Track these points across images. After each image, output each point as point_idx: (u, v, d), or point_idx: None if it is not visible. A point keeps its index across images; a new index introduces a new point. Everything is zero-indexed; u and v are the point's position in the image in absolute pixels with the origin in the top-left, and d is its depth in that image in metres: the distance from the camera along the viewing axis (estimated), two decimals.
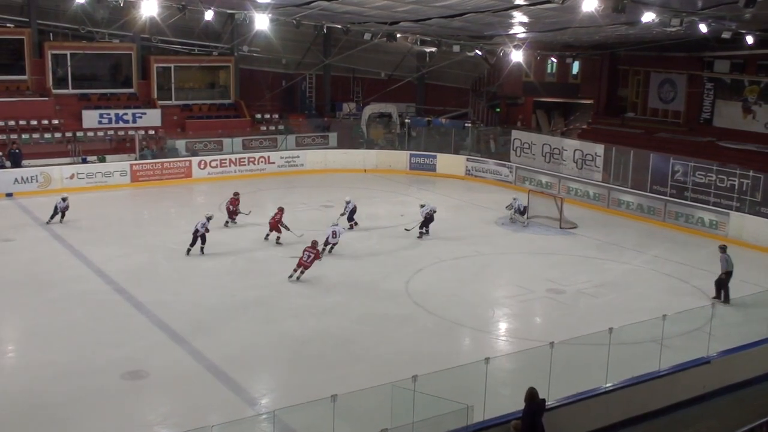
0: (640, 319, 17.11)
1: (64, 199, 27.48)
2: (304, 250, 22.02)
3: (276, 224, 25.49)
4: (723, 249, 21.47)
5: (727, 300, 20.74)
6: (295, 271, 21.89)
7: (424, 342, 17.99)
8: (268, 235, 25.69)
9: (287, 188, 34.56)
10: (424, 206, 27.27)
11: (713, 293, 21.07)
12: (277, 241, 25.42)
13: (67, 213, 27.44)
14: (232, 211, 27.80)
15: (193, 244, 24.01)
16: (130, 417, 14.23)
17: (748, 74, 34.23)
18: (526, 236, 27.54)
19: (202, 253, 23.98)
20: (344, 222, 27.14)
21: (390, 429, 11.55)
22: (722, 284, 20.93)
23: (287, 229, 25.41)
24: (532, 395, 12.71)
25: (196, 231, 24.01)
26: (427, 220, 26.83)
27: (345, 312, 19.65)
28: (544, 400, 12.85)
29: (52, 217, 27.25)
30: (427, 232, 26.86)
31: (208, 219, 24.28)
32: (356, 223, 27.57)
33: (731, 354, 16.20)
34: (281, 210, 25.84)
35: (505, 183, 36.21)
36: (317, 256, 22.04)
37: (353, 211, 27.65)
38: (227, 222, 27.59)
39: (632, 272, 23.77)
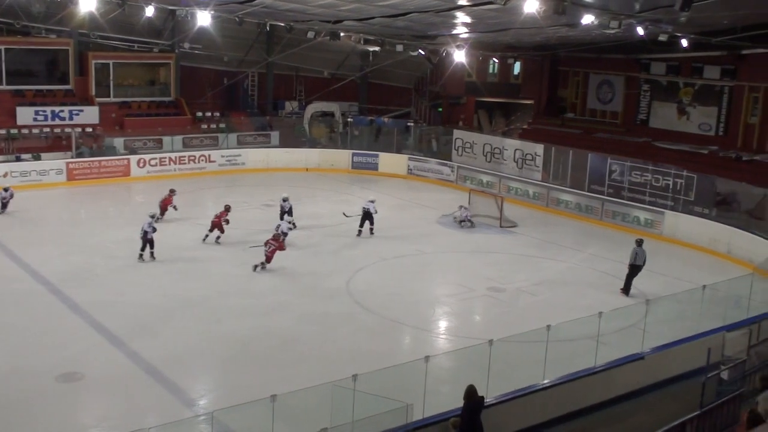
0: (577, 316, 17.37)
1: (5, 189, 26.88)
2: (266, 242, 22.36)
3: (219, 223, 25.17)
4: (639, 243, 22.02)
5: (626, 292, 21.65)
6: (261, 264, 22.27)
7: (365, 341, 18.03)
8: (207, 235, 25.35)
9: (228, 187, 34.23)
10: (373, 202, 27.24)
11: (624, 290, 21.85)
12: (217, 240, 25.16)
13: (10, 204, 27.10)
14: (163, 208, 27.57)
15: (143, 248, 23.14)
16: (66, 420, 13.99)
17: (683, 76, 35.08)
18: (467, 235, 27.78)
19: (153, 258, 23.13)
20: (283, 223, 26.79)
21: (330, 428, 11.54)
22: (630, 276, 21.74)
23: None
24: (470, 393, 12.81)
25: (145, 233, 23.06)
26: (366, 215, 26.78)
27: (286, 311, 19.57)
28: (482, 398, 12.97)
29: None
30: (371, 231, 26.83)
31: (152, 217, 23.78)
32: (294, 224, 27.14)
33: (664, 350, 16.57)
34: (227, 208, 25.54)
35: (447, 182, 36.47)
36: (280, 246, 22.38)
37: (289, 211, 27.21)
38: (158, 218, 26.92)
39: (570, 270, 24.16)
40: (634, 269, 21.76)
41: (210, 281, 21.65)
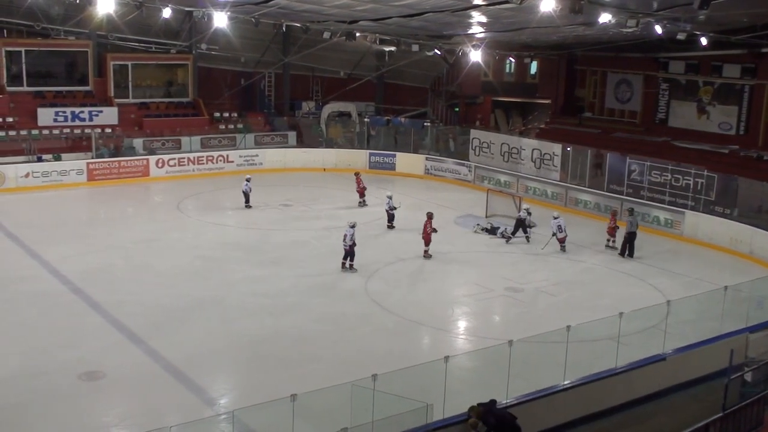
0: (597, 317, 17.29)
1: (248, 180, 29.30)
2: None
3: (428, 236, 24.17)
4: (631, 211, 25.92)
5: (631, 254, 24.92)
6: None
7: (383, 341, 18.01)
8: (426, 252, 24.32)
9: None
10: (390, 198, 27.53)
11: (628, 254, 24.72)
12: (426, 255, 24.27)
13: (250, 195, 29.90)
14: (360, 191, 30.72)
15: (346, 257, 22.80)
16: (87, 418, 14.05)
17: (703, 75, 34.82)
18: (485, 235, 27.65)
19: (353, 269, 22.72)
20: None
21: (350, 428, 11.54)
22: (628, 243, 24.96)
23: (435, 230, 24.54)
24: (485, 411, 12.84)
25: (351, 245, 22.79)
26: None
27: (303, 311, 19.58)
28: (511, 414, 12.94)
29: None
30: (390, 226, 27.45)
31: (353, 227, 22.92)
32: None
33: (686, 351, 16.45)
34: (430, 216, 24.63)
35: (464, 182, 36.38)
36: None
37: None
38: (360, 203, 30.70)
39: (589, 270, 24.04)
40: (632, 235, 25.02)
41: (228, 281, 21.69)
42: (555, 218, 25.82)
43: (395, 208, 27.49)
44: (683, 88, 35.90)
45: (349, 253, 22.78)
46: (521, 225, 26.75)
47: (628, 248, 25.02)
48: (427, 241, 24.26)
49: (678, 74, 35.88)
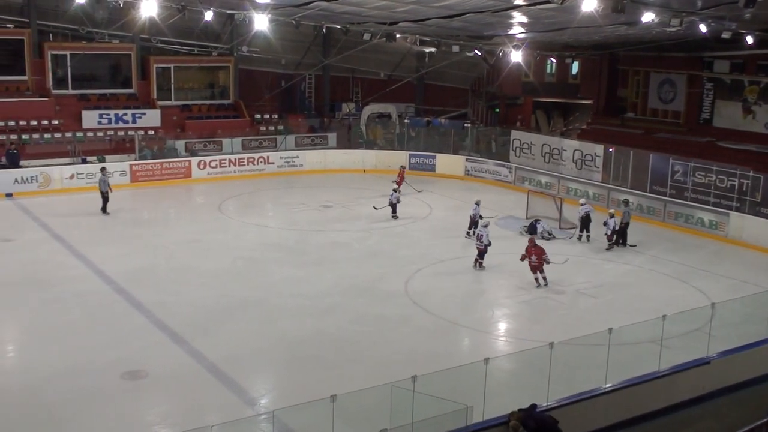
0: (640, 319, 17.10)
1: (477, 204, 26.96)
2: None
3: (540, 264, 21.85)
4: (626, 203, 27.30)
5: (625, 243, 26.04)
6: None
7: (423, 342, 17.97)
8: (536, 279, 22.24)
9: (286, 189, 34.57)
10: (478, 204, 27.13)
11: (622, 243, 25.90)
12: (542, 283, 22.12)
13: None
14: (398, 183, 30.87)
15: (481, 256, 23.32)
16: (130, 417, 14.22)
17: (748, 74, 34.21)
18: (524, 237, 27.40)
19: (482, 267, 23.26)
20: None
21: (389, 429, 11.54)
22: (622, 233, 26.08)
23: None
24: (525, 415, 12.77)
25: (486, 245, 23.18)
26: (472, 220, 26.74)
27: (343, 312, 19.63)
28: (552, 418, 12.85)
29: None
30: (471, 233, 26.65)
31: (486, 226, 23.64)
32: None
33: (731, 354, 16.18)
34: (532, 242, 22.79)
35: (505, 183, 36.20)
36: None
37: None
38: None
39: (631, 272, 23.76)
40: (626, 226, 26.14)
41: (268, 282, 21.84)
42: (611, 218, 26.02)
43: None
44: (728, 88, 35.29)
45: (483, 252, 23.23)
46: (586, 223, 26.88)
47: (622, 238, 26.11)
48: (535, 269, 21.91)
49: (723, 74, 35.29)
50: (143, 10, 30.04)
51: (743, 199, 27.58)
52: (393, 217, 28.84)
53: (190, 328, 18.16)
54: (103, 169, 29.85)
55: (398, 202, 29.13)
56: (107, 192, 29.05)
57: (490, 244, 23.26)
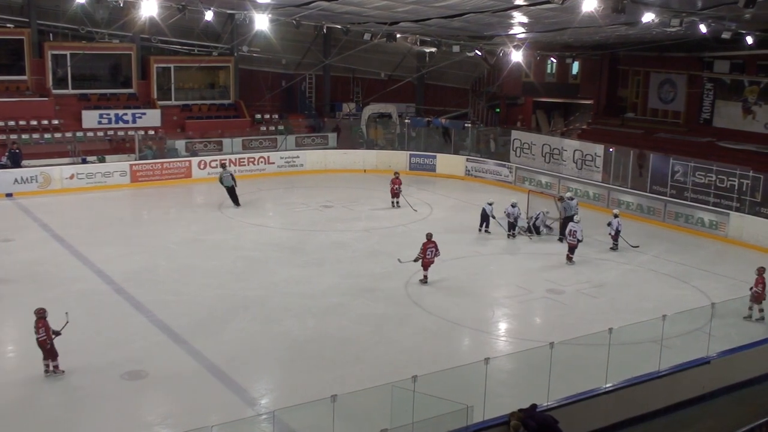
0: (640, 319, 17.12)
1: (490, 204, 27.65)
2: (426, 247, 21.82)
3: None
4: (561, 199, 27.58)
5: (561, 239, 25.91)
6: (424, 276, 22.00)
7: (424, 342, 17.98)
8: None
9: (287, 188, 34.58)
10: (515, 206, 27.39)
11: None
12: None
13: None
14: (396, 193, 30.70)
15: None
16: (130, 417, 14.22)
17: (748, 74, 34.25)
18: (525, 237, 27.47)
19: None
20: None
21: (390, 429, 11.56)
22: (562, 227, 26.24)
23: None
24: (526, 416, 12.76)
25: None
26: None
27: (344, 312, 19.64)
28: (552, 418, 12.85)
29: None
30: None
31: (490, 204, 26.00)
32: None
33: (731, 354, 16.20)
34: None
35: (505, 183, 36.20)
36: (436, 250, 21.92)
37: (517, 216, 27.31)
38: (393, 203, 30.75)
39: (632, 272, 23.76)
40: (569, 219, 25.66)
41: (269, 282, 21.84)
42: (615, 217, 26.19)
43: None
44: (728, 88, 35.31)
45: (575, 248, 24.06)
46: (567, 221, 26.62)
47: (561, 233, 26.43)
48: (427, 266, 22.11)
49: (723, 74, 35.32)
50: (143, 9, 30.03)
51: (743, 199, 27.58)
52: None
53: (191, 328, 18.17)
54: (223, 165, 31.22)
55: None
56: (233, 186, 30.16)
57: (582, 240, 24.18)
